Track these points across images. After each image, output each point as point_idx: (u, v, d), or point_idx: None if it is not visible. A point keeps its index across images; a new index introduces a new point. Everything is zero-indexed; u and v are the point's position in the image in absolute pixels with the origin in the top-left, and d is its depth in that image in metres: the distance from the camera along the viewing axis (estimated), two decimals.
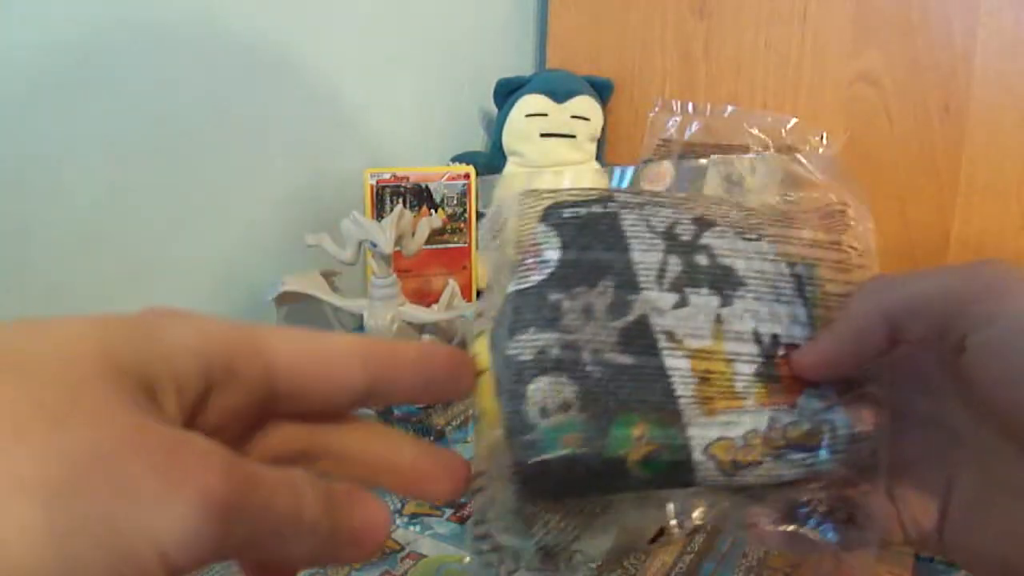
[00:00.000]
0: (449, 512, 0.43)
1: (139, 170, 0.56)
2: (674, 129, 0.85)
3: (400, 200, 0.72)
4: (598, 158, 0.85)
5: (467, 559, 0.27)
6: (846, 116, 0.77)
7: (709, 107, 0.84)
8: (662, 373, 0.24)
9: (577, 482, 0.24)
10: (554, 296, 0.24)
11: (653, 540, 0.30)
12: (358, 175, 0.70)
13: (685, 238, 0.26)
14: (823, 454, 0.24)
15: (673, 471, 0.23)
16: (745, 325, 0.25)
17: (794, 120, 0.80)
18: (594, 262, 0.25)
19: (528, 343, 0.24)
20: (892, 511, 0.26)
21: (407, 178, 0.72)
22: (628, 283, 0.25)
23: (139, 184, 0.56)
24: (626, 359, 0.24)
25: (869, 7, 0.75)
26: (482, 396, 0.23)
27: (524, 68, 0.95)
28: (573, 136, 0.81)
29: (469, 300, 0.76)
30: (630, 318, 0.24)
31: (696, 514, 0.26)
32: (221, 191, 0.60)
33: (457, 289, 0.56)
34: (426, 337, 0.55)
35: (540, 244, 0.26)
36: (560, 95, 0.81)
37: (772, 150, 0.78)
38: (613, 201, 0.28)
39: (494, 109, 0.85)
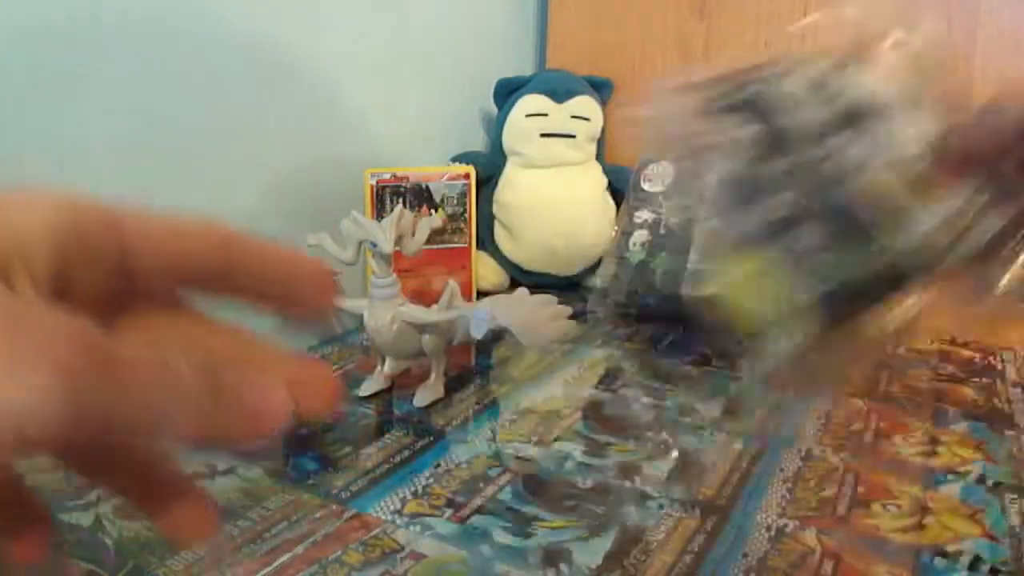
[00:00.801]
0: (449, 512, 0.43)
1: (139, 169, 0.56)
2: None
3: (400, 200, 0.72)
4: (598, 158, 0.85)
5: None
6: None
7: None
8: None
9: None
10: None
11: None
12: (358, 175, 0.70)
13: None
14: None
15: None
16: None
17: None
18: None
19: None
20: None
21: (407, 178, 0.72)
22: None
23: (139, 183, 0.56)
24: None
25: None
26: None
27: (524, 68, 0.95)
28: (573, 136, 0.81)
29: (469, 300, 0.76)
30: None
31: None
32: (221, 190, 0.60)
33: (457, 289, 0.56)
34: (426, 337, 0.55)
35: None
36: (560, 95, 0.81)
37: None
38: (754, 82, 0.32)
39: (494, 109, 0.85)
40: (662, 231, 0.76)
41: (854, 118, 0.29)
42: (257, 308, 0.22)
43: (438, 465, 0.48)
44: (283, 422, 0.19)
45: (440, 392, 0.57)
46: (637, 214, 0.79)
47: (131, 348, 0.16)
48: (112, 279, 0.18)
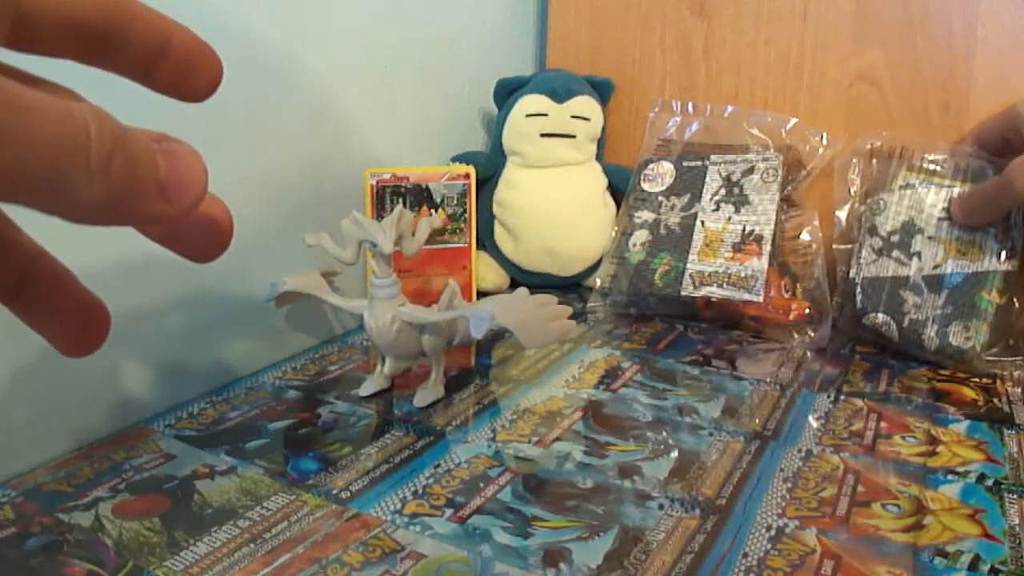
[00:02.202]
0: (449, 512, 0.43)
1: None
2: (674, 129, 0.85)
3: (400, 200, 0.72)
4: (598, 158, 0.85)
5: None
6: (846, 116, 0.77)
7: (709, 107, 0.84)
8: None
9: None
10: None
11: None
12: (358, 175, 0.70)
13: None
14: None
15: None
16: None
17: (794, 120, 0.80)
18: None
19: None
20: None
21: (407, 178, 0.72)
22: None
23: None
24: None
25: (869, 7, 0.75)
26: None
27: (524, 68, 0.95)
28: (573, 136, 0.81)
29: (469, 300, 0.76)
30: None
31: None
32: (220, 191, 0.60)
33: (457, 289, 0.56)
34: (426, 337, 0.55)
35: None
36: (560, 95, 0.81)
37: (772, 150, 0.79)
38: None
39: (494, 109, 0.85)
40: (662, 231, 0.76)
41: None
42: (137, 78, 0.21)
43: (438, 465, 0.48)
44: (200, 195, 0.18)
45: (440, 392, 0.57)
46: (637, 214, 0.79)
47: (36, 96, 0.15)
48: (6, 27, 0.17)
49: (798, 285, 0.71)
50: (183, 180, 0.18)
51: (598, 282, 0.78)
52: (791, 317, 0.70)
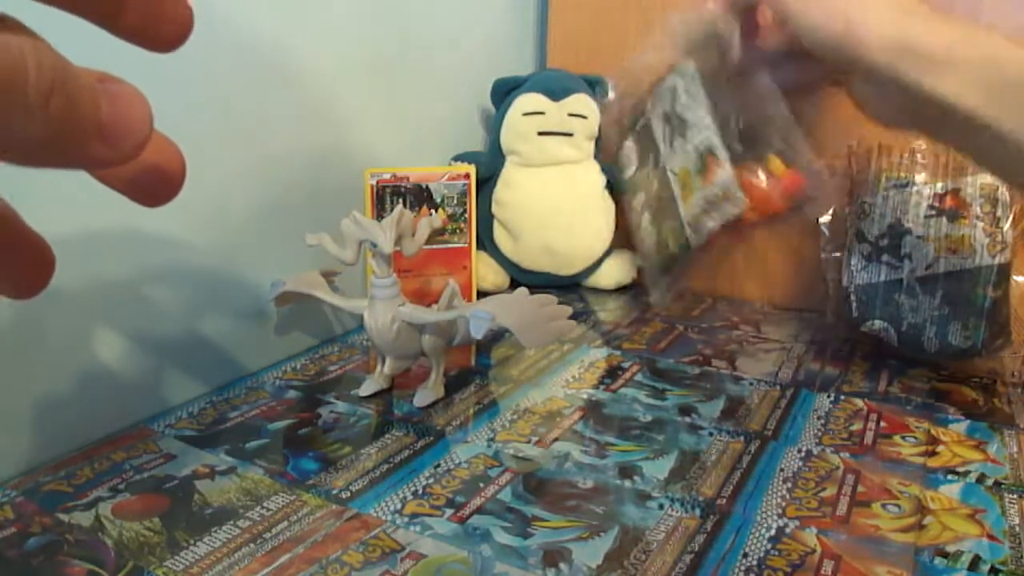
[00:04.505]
0: (449, 512, 0.43)
1: None
2: (617, 105, 0.82)
3: (400, 200, 0.72)
4: (596, 156, 0.85)
5: None
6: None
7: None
8: None
9: None
10: None
11: None
12: (358, 175, 0.70)
13: None
14: None
15: None
16: None
17: None
18: None
19: None
20: None
21: (407, 178, 0.72)
22: None
23: None
24: None
25: None
26: None
27: (524, 68, 0.95)
28: (571, 134, 0.81)
29: (469, 300, 0.76)
30: None
31: None
32: (220, 191, 0.60)
33: (457, 289, 0.56)
34: (426, 337, 0.55)
35: None
36: (557, 93, 0.81)
37: None
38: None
39: (494, 109, 0.85)
40: (653, 204, 0.75)
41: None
42: (99, 20, 0.19)
43: (438, 465, 0.48)
44: (142, 139, 0.17)
45: (440, 392, 0.57)
46: (633, 202, 0.78)
47: None
48: None
49: (769, 158, 0.63)
50: (125, 123, 0.17)
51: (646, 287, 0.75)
52: (785, 191, 0.62)
